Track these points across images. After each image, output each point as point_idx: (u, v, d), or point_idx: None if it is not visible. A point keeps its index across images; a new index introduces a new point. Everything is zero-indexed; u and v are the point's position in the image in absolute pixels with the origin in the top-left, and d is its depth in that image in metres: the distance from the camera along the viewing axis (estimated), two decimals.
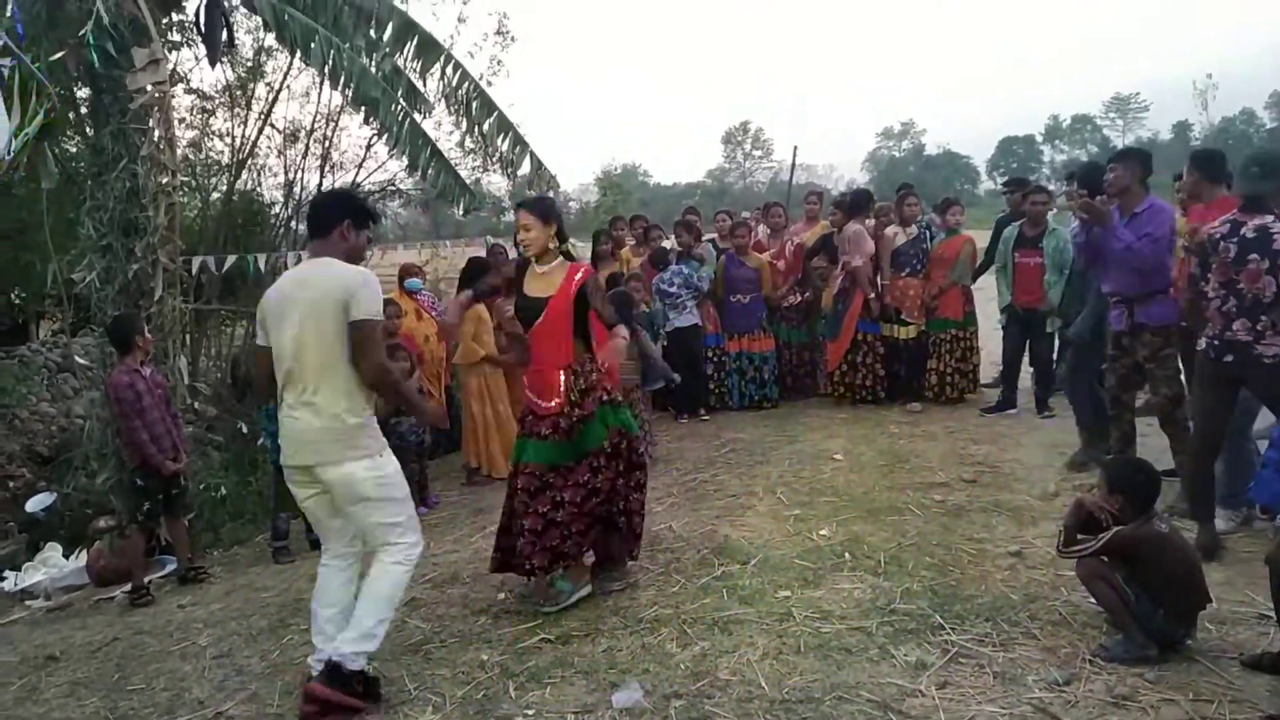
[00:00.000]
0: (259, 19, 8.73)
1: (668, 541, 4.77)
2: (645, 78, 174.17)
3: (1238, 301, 3.96)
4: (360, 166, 12.05)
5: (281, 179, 12.09)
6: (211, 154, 12.11)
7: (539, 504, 3.98)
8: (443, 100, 9.37)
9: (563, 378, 4.00)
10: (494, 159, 10.02)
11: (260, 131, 11.50)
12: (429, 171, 9.28)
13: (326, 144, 11.92)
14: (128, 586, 5.51)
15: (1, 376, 10.25)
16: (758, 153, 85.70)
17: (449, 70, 9.18)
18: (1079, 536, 3.35)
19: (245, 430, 7.81)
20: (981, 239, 8.16)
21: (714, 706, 3.07)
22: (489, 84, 11.05)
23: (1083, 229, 4.93)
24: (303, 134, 11.89)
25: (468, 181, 10.73)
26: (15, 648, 4.86)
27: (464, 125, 9.65)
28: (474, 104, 9.36)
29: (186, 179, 10.74)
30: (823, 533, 4.70)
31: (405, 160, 9.52)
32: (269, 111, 11.54)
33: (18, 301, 12.65)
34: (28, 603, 5.90)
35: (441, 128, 10.95)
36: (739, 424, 7.53)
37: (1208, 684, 2.98)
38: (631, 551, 4.27)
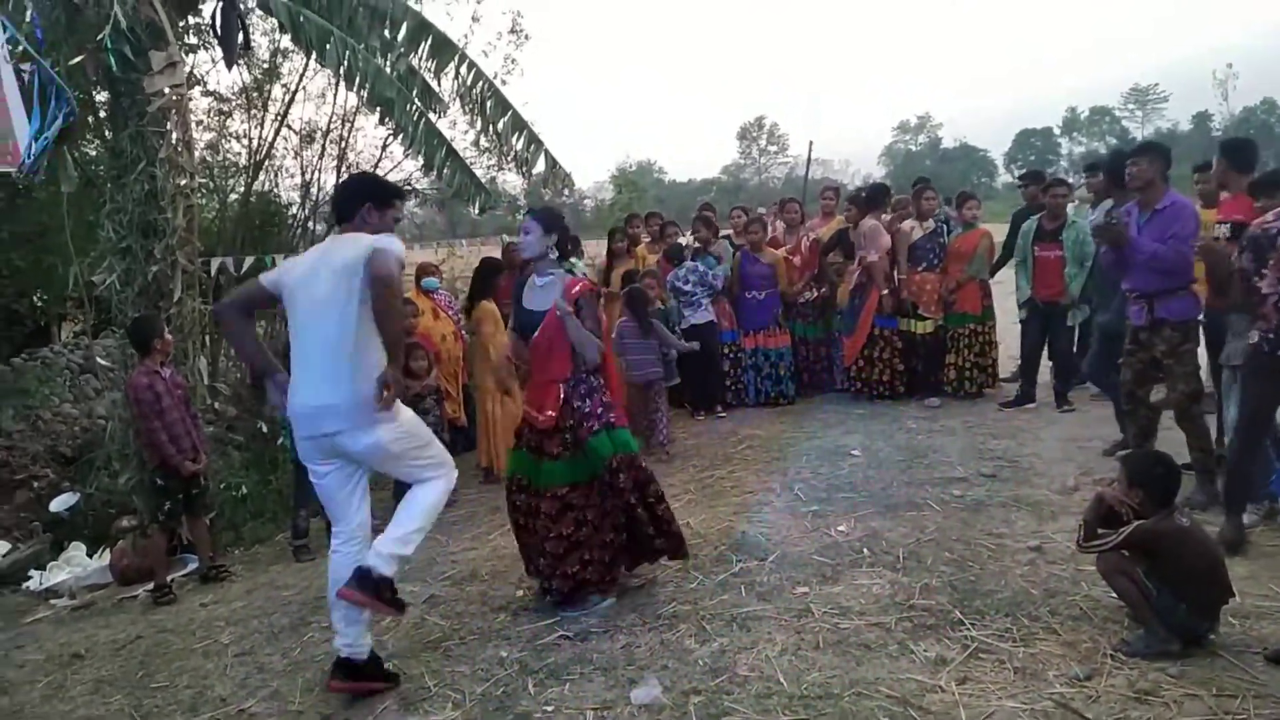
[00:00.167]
0: (274, 21, 8.77)
1: (685, 538, 4.75)
2: (659, 75, 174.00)
3: None
4: (376, 166, 12.07)
5: (298, 180, 12.18)
6: (229, 156, 12.20)
7: (563, 525, 3.97)
8: (457, 100, 9.37)
9: (560, 391, 4.02)
10: (509, 158, 10.01)
11: (277, 133, 11.59)
12: (444, 171, 9.29)
13: (342, 144, 12.01)
14: (150, 585, 5.57)
15: (24, 378, 10.39)
16: (773, 148, 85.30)
17: (463, 69, 9.17)
18: (1099, 531, 3.33)
19: (265, 430, 7.85)
20: (999, 233, 8.11)
21: (733, 703, 3.07)
22: (503, 83, 11.10)
23: (1108, 251, 4.88)
24: (319, 135, 11.97)
25: (483, 180, 10.75)
26: (41, 646, 4.93)
27: (479, 124, 9.65)
28: (488, 103, 9.36)
29: (204, 181, 10.78)
30: (841, 529, 4.69)
31: (421, 160, 9.56)
32: (285, 113, 11.62)
33: (40, 304, 12.75)
34: (52, 601, 5.95)
35: (456, 127, 11.01)
36: (755, 420, 7.51)
37: (1231, 679, 2.96)
38: (679, 551, 4.20)
